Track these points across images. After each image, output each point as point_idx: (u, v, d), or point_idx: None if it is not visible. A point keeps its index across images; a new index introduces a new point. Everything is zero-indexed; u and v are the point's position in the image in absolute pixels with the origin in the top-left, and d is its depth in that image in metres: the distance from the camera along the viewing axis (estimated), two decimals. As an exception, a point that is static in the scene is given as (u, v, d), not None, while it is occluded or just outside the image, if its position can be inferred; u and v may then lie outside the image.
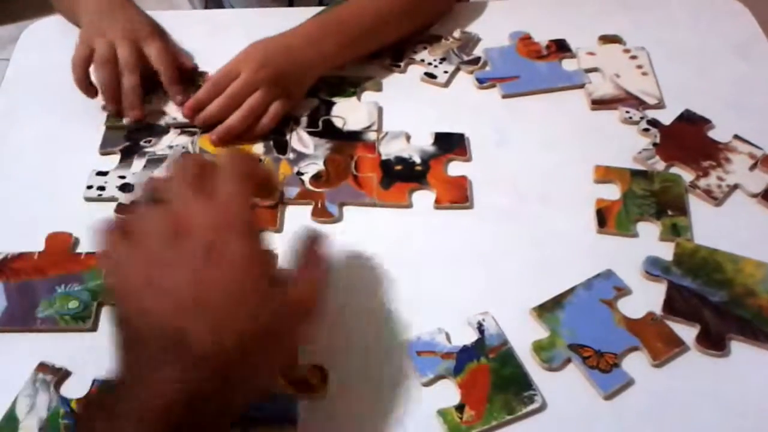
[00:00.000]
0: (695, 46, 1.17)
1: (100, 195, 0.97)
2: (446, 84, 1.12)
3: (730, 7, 1.23)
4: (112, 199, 0.96)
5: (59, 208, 0.96)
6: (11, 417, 0.77)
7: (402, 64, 1.15)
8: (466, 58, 1.15)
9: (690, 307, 0.85)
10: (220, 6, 1.38)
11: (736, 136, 1.02)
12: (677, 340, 0.82)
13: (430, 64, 1.15)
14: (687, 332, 0.83)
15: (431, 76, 1.13)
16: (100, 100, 1.07)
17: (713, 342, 0.82)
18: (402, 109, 1.08)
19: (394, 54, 1.16)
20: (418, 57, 1.15)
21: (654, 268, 0.88)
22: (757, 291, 0.86)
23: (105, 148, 1.03)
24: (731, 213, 0.95)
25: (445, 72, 1.13)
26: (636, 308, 0.85)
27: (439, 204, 0.96)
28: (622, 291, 0.86)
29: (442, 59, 1.15)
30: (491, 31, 1.19)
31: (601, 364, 0.80)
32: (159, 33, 1.12)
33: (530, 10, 1.23)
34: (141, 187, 0.75)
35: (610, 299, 0.85)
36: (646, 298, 0.86)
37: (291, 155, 1.01)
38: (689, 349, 0.82)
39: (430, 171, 0.99)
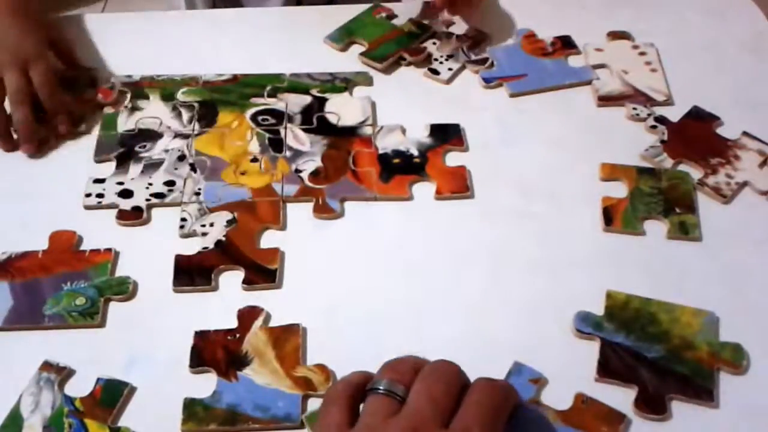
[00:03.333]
0: (704, 42, 1.20)
1: (99, 203, 0.99)
2: (448, 81, 1.16)
3: (739, 3, 1.27)
4: (112, 206, 0.99)
5: (60, 207, 0.99)
6: (15, 415, 0.80)
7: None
8: (474, 57, 1.19)
9: (626, 367, 0.83)
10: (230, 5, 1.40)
11: (745, 133, 1.05)
12: (617, 415, 0.80)
13: (436, 59, 1.18)
14: (624, 395, 0.82)
15: (434, 72, 1.16)
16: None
17: (653, 405, 0.80)
18: (397, 104, 1.12)
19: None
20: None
21: (585, 326, 0.87)
22: (696, 343, 0.85)
23: (99, 156, 1.06)
24: (740, 210, 0.98)
25: (450, 69, 1.17)
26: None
27: (439, 195, 1.00)
28: (540, 381, 0.83)
29: (450, 56, 1.19)
30: (494, 28, 1.23)
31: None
32: (46, 53, 1.11)
33: (532, 7, 1.27)
34: (391, 366, 0.73)
35: (534, 396, 0.82)
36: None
37: (287, 153, 1.05)
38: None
39: (429, 162, 1.03)
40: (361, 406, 0.70)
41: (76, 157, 1.06)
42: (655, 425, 0.80)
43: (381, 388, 0.70)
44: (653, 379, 0.82)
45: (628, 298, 0.89)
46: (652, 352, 0.85)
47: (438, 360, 0.73)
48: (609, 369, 0.84)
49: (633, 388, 0.82)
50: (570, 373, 0.83)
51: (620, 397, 0.82)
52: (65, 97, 1.11)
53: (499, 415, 0.70)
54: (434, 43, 1.21)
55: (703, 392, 0.81)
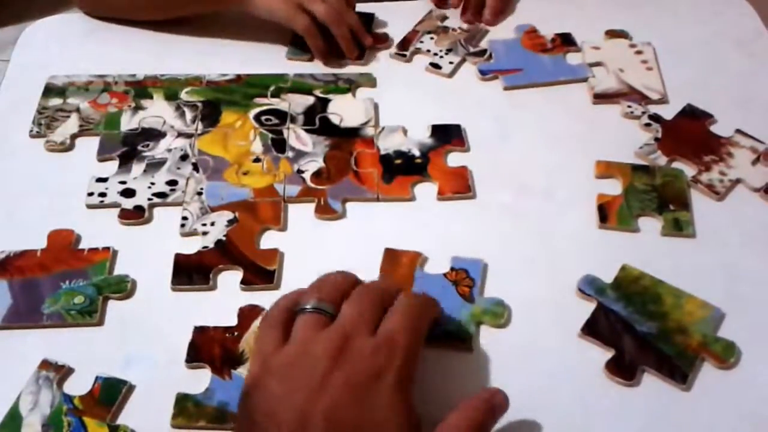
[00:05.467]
0: (698, 41, 1.18)
1: (102, 201, 0.98)
2: (451, 75, 1.15)
3: (733, 2, 1.25)
4: (114, 205, 0.98)
5: (60, 206, 0.98)
6: (14, 414, 0.79)
7: (408, 53, 1.18)
8: (472, 49, 1.18)
9: (611, 332, 0.84)
10: None
11: (738, 131, 1.04)
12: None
13: (435, 54, 1.17)
14: (600, 355, 0.82)
15: (436, 66, 1.15)
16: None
17: (623, 371, 0.81)
18: (400, 104, 1.10)
19: (400, 43, 1.19)
20: (424, 47, 1.18)
21: (588, 287, 0.88)
22: (690, 330, 0.84)
23: (102, 155, 1.04)
24: (733, 208, 0.97)
25: (450, 63, 1.16)
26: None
27: (442, 195, 0.98)
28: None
29: (449, 50, 1.18)
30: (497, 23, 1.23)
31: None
32: None
33: (537, 4, 1.26)
34: (316, 287, 0.79)
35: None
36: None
37: (290, 153, 1.03)
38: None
39: (430, 163, 1.02)
40: None
41: (78, 156, 1.05)
42: (619, 388, 0.81)
43: (309, 307, 0.75)
44: (633, 349, 0.83)
45: (641, 274, 0.89)
46: (644, 326, 0.85)
47: (366, 282, 0.80)
48: (593, 329, 0.85)
49: (610, 351, 0.83)
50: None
51: (595, 357, 0.83)
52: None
53: (422, 321, 0.77)
54: (432, 38, 1.20)
55: (678, 374, 0.81)
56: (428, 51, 1.18)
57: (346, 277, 0.80)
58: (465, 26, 1.22)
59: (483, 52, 1.17)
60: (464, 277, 0.89)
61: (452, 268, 0.90)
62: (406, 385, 0.71)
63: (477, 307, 0.87)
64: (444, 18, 1.24)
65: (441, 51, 1.18)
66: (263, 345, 0.74)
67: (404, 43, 1.19)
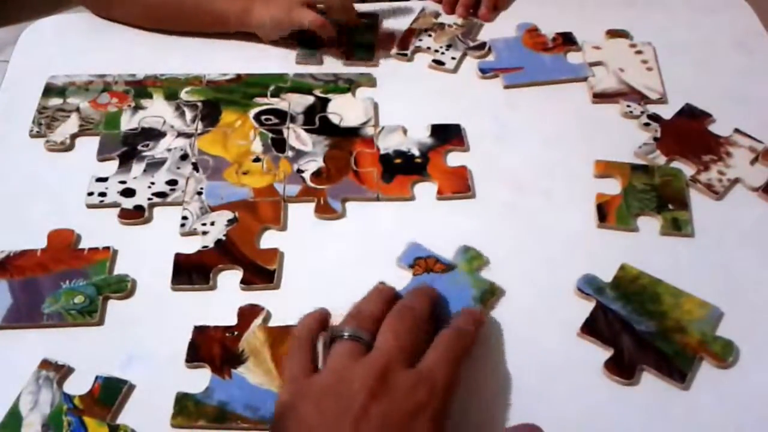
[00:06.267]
0: (698, 41, 1.18)
1: (101, 201, 0.98)
2: (454, 70, 1.15)
3: (731, 2, 1.25)
4: (114, 204, 0.98)
5: (59, 206, 0.98)
6: (14, 414, 0.79)
7: (408, 52, 1.18)
8: (471, 44, 1.18)
9: (610, 331, 0.84)
10: None
11: (737, 130, 1.04)
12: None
13: (436, 51, 1.18)
14: (599, 354, 0.83)
15: (439, 63, 1.16)
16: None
17: (622, 370, 0.81)
18: (399, 103, 1.10)
19: (399, 43, 1.19)
20: (423, 45, 1.18)
21: (587, 287, 0.88)
22: (689, 329, 0.84)
23: (102, 155, 1.04)
24: (732, 207, 0.97)
25: (453, 58, 1.16)
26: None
27: (441, 195, 0.98)
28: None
29: (448, 46, 1.18)
30: (499, 22, 1.23)
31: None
32: None
33: (538, 3, 1.26)
34: (356, 312, 0.78)
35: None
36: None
37: (290, 153, 1.03)
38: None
39: (430, 163, 1.02)
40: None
41: (78, 156, 1.05)
42: (618, 387, 0.81)
43: (345, 334, 0.74)
44: (632, 348, 0.83)
45: (640, 274, 0.89)
46: (643, 326, 0.85)
47: (407, 296, 0.81)
48: (593, 328, 0.85)
49: (609, 350, 0.83)
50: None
51: (594, 356, 0.83)
52: None
53: (461, 358, 0.76)
54: (430, 36, 1.20)
55: (677, 373, 0.81)
56: (428, 48, 1.18)
57: (384, 293, 0.80)
58: (460, 21, 1.23)
59: (482, 46, 1.18)
60: (425, 261, 0.91)
61: (411, 265, 0.91)
62: (442, 420, 0.70)
63: (463, 265, 0.90)
64: (437, 14, 1.24)
65: (441, 47, 1.18)
66: (293, 368, 0.74)
67: (403, 43, 1.19)
